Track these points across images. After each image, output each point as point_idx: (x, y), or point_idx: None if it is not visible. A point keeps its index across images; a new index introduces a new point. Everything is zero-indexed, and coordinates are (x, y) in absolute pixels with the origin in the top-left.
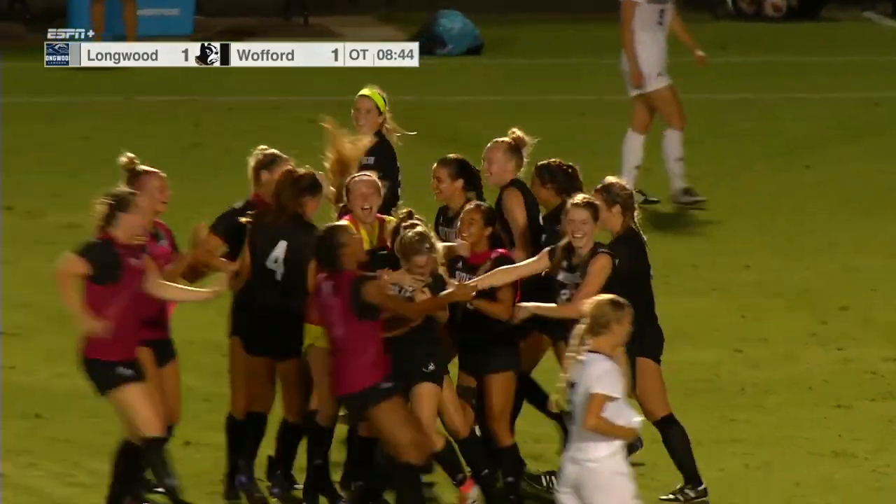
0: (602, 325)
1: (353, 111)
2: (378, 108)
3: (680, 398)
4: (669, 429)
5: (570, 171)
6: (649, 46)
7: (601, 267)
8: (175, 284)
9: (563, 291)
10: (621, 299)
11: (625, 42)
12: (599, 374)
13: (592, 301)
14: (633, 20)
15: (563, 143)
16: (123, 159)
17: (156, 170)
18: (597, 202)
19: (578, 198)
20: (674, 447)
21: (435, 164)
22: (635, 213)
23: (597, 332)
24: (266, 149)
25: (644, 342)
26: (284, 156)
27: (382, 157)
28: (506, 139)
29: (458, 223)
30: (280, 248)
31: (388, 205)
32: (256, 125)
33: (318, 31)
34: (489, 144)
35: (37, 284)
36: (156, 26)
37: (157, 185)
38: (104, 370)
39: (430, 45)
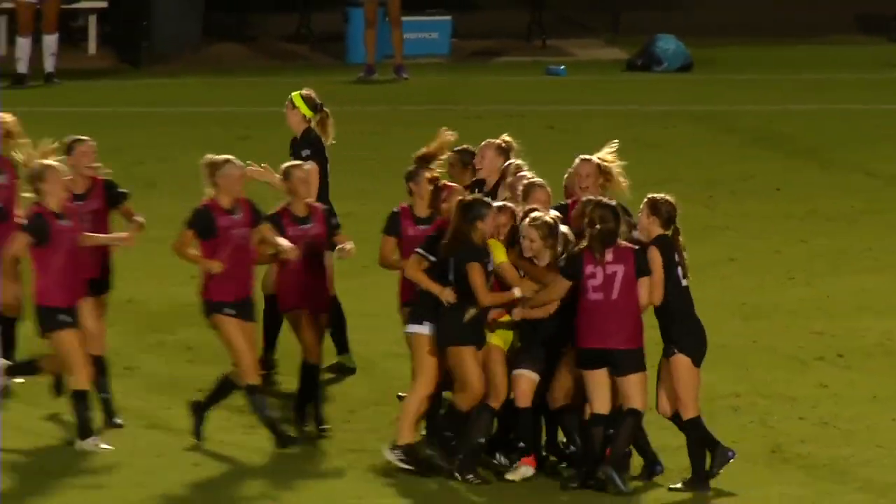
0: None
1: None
2: (297, 108)
3: (860, 359)
4: (693, 431)
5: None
6: None
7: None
8: (96, 235)
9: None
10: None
11: None
12: None
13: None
14: None
15: (762, 142)
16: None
17: (84, 137)
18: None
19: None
20: (692, 450)
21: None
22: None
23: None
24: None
25: (681, 340)
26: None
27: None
28: (496, 140)
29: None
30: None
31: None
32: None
33: (554, 51)
34: (482, 143)
35: None
36: (419, 48)
37: (82, 150)
38: (46, 315)
39: (649, 63)
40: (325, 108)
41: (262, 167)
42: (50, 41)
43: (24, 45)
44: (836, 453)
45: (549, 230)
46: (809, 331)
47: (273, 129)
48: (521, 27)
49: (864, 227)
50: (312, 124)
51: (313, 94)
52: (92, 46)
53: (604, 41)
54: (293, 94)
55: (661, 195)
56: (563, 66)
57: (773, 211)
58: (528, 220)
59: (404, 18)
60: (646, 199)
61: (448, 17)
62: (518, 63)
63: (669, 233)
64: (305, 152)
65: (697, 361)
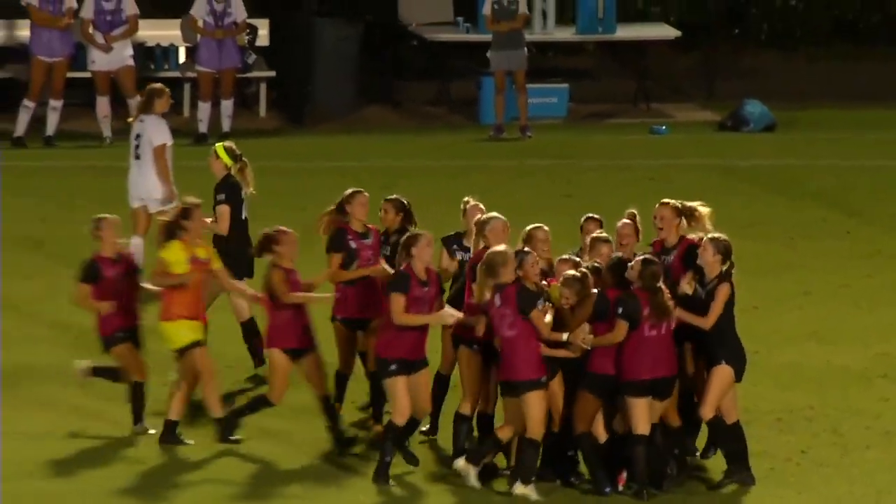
0: None
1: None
2: (220, 158)
3: None
4: (718, 431)
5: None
6: None
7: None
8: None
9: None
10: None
11: None
12: None
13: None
14: None
15: (835, 192)
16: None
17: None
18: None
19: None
20: (721, 445)
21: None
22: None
23: None
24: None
25: (729, 357)
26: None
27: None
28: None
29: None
30: None
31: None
32: (616, 180)
33: (657, 113)
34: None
35: None
36: (541, 111)
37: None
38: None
39: (737, 123)
40: (244, 159)
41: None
42: (226, 105)
43: (204, 108)
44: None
45: (582, 284)
46: (874, 352)
47: (415, 179)
48: (628, 93)
49: None
50: (232, 172)
51: (234, 147)
52: (262, 109)
53: (699, 105)
54: (216, 145)
55: (721, 235)
56: (664, 126)
57: (843, 251)
58: (562, 279)
59: (528, 86)
60: (709, 239)
61: (566, 85)
62: (626, 124)
63: (726, 268)
64: (220, 196)
65: (739, 375)
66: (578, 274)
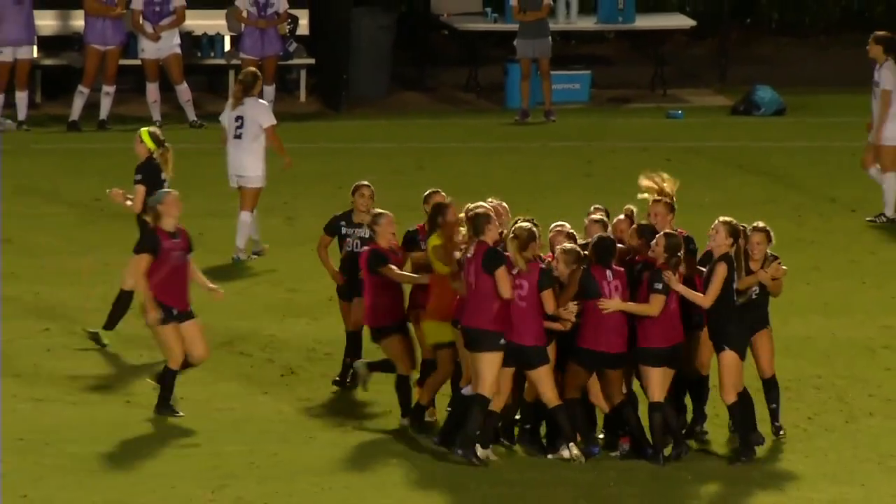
0: None
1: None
2: (143, 142)
3: None
4: (735, 408)
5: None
6: None
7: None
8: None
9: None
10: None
11: None
12: None
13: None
14: None
15: (843, 172)
16: None
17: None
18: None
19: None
20: (736, 421)
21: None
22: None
23: None
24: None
25: (725, 338)
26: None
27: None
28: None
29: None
30: None
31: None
32: (634, 162)
33: (673, 98)
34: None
35: None
36: (564, 96)
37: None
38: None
39: (749, 108)
40: (166, 145)
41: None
42: (269, 91)
43: None
44: None
45: (575, 257)
46: (878, 325)
47: (446, 160)
48: (646, 79)
49: None
50: (154, 155)
51: (159, 133)
52: (302, 95)
53: (713, 90)
54: (142, 130)
55: (733, 219)
56: (680, 111)
57: (850, 228)
58: (558, 251)
59: (553, 72)
60: (723, 221)
61: (588, 72)
62: (644, 108)
63: (733, 251)
64: (138, 177)
65: (743, 354)
66: (572, 246)
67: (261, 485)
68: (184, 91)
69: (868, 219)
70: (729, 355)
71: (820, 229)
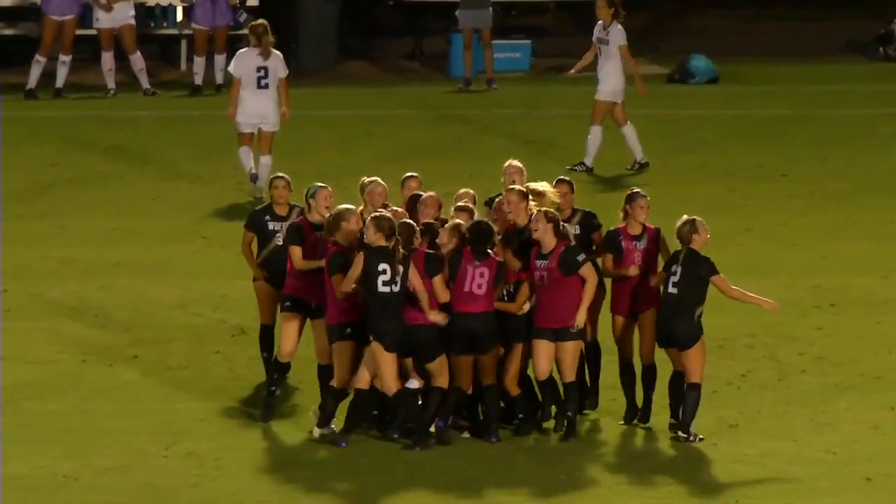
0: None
1: None
2: None
3: (847, 307)
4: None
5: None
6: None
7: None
8: None
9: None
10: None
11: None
12: None
13: None
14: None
15: (772, 139)
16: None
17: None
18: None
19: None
20: (685, 406)
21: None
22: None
23: None
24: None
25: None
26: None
27: None
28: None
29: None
30: None
31: None
32: (574, 128)
33: None
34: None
35: None
36: (505, 65)
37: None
38: None
39: (684, 76)
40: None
41: None
42: (219, 60)
43: (199, 63)
44: (828, 381)
45: (458, 235)
46: (808, 285)
47: (393, 128)
48: (584, 49)
49: (851, 205)
50: None
51: None
52: None
53: (648, 60)
54: None
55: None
56: None
57: (780, 192)
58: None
59: (494, 42)
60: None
61: (528, 41)
62: (582, 77)
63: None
64: None
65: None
66: (456, 224)
67: (212, 440)
68: (137, 60)
69: (568, 167)
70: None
71: (749, 194)
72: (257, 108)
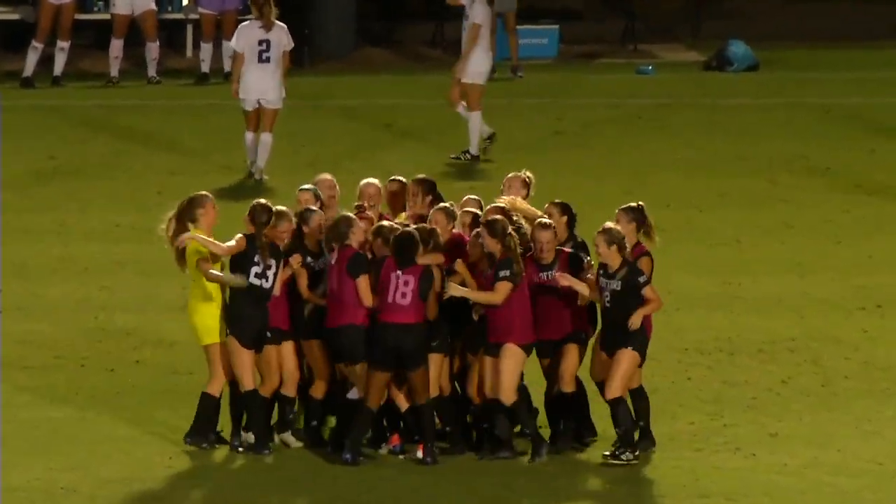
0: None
1: None
2: None
3: (894, 308)
4: (618, 407)
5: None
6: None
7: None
8: None
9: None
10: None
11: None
12: None
13: None
14: None
15: (815, 129)
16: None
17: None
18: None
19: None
20: (619, 421)
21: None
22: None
23: None
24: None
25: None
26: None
27: None
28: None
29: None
30: None
31: None
32: (604, 118)
33: (644, 54)
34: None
35: None
36: (531, 51)
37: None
38: None
39: (721, 64)
40: None
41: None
42: (228, 46)
43: (206, 49)
44: (874, 387)
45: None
46: (853, 285)
47: (413, 117)
48: (616, 34)
49: None
50: None
51: None
52: None
53: (685, 46)
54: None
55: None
56: (651, 67)
57: (823, 186)
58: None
59: (519, 27)
60: (599, 231)
61: (556, 26)
62: (614, 64)
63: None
64: None
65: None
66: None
67: (221, 449)
68: (154, 48)
69: (452, 156)
70: (624, 353)
71: (792, 187)
72: (257, 84)
